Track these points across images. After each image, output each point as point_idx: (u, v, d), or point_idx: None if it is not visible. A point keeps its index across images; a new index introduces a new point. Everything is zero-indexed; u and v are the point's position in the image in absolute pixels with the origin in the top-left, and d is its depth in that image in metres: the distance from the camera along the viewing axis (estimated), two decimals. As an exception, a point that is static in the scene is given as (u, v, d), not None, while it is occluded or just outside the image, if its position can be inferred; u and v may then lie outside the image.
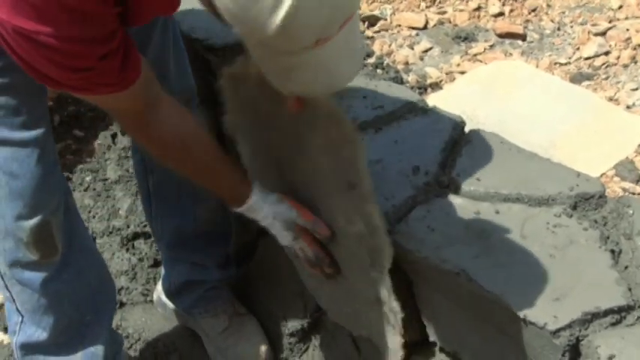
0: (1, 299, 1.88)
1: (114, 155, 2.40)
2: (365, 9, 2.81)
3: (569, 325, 1.21)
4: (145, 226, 2.18)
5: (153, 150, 1.36)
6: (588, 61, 2.42)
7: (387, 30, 2.74)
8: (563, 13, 2.69)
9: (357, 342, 1.68)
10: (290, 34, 0.94)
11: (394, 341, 1.39)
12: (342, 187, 1.34)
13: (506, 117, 2.18)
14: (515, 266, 1.32)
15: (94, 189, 2.31)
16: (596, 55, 2.43)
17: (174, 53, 1.60)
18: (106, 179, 2.33)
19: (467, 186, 1.50)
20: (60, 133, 2.41)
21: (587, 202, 1.43)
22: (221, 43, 1.78)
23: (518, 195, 1.46)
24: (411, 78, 2.50)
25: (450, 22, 2.72)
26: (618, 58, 2.40)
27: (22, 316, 1.53)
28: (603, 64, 2.39)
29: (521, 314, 1.24)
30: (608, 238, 1.35)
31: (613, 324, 1.21)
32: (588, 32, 2.53)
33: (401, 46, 2.66)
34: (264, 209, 1.37)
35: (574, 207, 1.42)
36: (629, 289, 1.26)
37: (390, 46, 2.66)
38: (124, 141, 2.40)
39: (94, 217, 2.22)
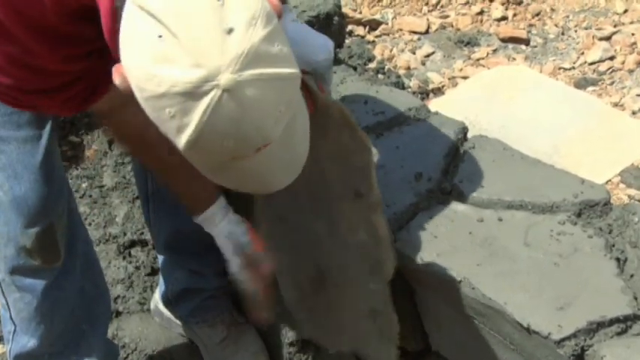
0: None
1: (110, 162, 2.40)
2: (366, 13, 2.83)
3: (574, 335, 1.22)
4: (141, 233, 2.18)
5: (120, 144, 1.36)
6: (593, 66, 2.43)
7: (388, 34, 2.75)
8: (568, 17, 2.71)
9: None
10: (198, 153, 0.96)
11: (390, 353, 1.39)
12: (348, 195, 1.35)
13: (509, 123, 2.18)
14: (519, 274, 1.32)
15: (90, 196, 2.31)
16: (601, 60, 2.44)
17: None
18: (102, 186, 2.33)
19: (470, 193, 1.50)
20: (55, 139, 2.41)
21: (592, 209, 1.44)
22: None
23: (521, 202, 1.46)
24: (412, 83, 2.51)
25: (452, 26, 2.73)
26: (623, 63, 2.41)
27: (15, 326, 1.53)
28: (608, 69, 2.40)
29: (524, 323, 1.25)
30: (613, 246, 1.36)
31: (619, 333, 1.22)
32: (593, 37, 2.54)
33: (402, 50, 2.67)
34: (221, 225, 1.37)
35: (578, 214, 1.43)
36: (635, 298, 1.26)
37: (391, 50, 2.68)
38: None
39: (89, 224, 2.22)
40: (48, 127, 1.37)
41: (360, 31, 2.76)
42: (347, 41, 2.60)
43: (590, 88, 2.34)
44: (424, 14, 2.79)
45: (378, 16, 2.80)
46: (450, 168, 1.58)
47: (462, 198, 1.50)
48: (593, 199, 1.44)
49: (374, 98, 1.79)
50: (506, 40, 2.62)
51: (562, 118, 2.20)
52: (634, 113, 2.21)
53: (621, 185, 1.99)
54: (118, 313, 1.98)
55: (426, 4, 2.82)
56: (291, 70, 0.94)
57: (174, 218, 1.73)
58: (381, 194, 1.48)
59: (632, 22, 2.60)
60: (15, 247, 1.41)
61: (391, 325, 1.38)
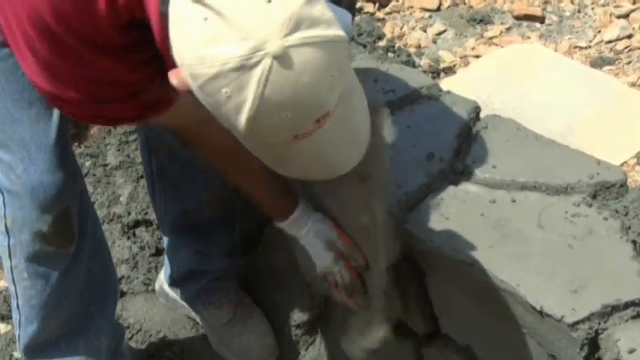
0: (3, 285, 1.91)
1: (114, 140, 2.40)
2: (377, -11, 2.80)
3: (588, 318, 1.22)
4: (146, 213, 2.18)
5: (202, 156, 1.41)
6: (610, 45, 2.41)
7: (398, 12, 2.73)
8: (584, -6, 2.68)
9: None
10: (260, 132, 0.98)
11: (379, 334, 1.40)
12: (353, 178, 1.34)
13: (522, 103, 2.17)
14: (532, 257, 1.32)
15: (94, 175, 2.32)
16: (618, 39, 2.42)
17: None
18: (106, 165, 2.33)
19: (482, 173, 1.50)
20: (58, 117, 2.41)
21: (607, 190, 1.43)
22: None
23: (535, 183, 1.46)
24: (423, 62, 2.50)
25: (464, 3, 2.71)
26: (641, 41, 2.39)
27: (20, 315, 1.54)
28: (625, 47, 2.38)
29: (537, 306, 1.25)
30: (629, 228, 1.35)
31: (634, 317, 1.22)
32: (610, 14, 2.52)
33: (413, 28, 2.65)
34: (307, 225, 1.40)
35: (594, 196, 1.42)
36: (651, 281, 1.26)
37: (401, 28, 2.66)
38: (124, 125, 2.41)
39: (93, 203, 2.23)
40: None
41: (369, 7, 2.74)
42: (356, 18, 2.58)
43: (607, 68, 2.32)
44: (436, -9, 2.77)
45: (388, -7, 2.78)
46: (462, 148, 1.57)
47: (474, 179, 1.50)
48: (609, 180, 1.44)
49: (384, 76, 1.78)
50: (520, 18, 2.59)
51: (577, 99, 2.18)
52: (651, 93, 2.20)
53: (637, 167, 1.98)
54: (123, 294, 1.99)
55: (438, -20, 2.79)
56: (337, 32, 0.96)
57: (180, 199, 1.73)
58: (392, 174, 1.48)
59: (651, 0, 2.57)
60: (30, 232, 1.41)
61: (393, 308, 1.39)
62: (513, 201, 1.43)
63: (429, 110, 1.67)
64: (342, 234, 1.39)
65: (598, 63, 2.34)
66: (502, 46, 2.49)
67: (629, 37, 2.42)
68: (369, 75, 1.77)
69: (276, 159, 1.05)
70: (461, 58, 2.49)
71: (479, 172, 1.50)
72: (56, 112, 1.37)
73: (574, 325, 1.22)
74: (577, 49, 2.43)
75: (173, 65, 1.00)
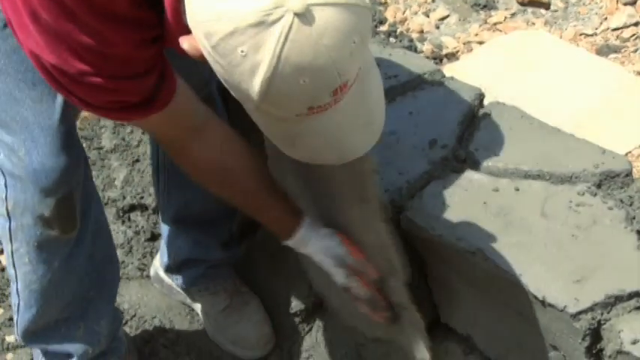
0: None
1: (109, 123, 2.39)
2: (379, -27, 2.79)
3: (591, 308, 1.22)
4: (141, 197, 2.18)
5: (192, 174, 1.36)
6: (616, 33, 2.41)
7: (401, -5, 2.72)
8: (590, -20, 2.67)
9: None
10: (275, 100, 0.95)
11: (422, 344, 1.41)
12: (356, 199, 1.36)
13: (526, 91, 2.17)
14: (535, 246, 1.33)
15: (88, 158, 2.31)
16: (625, 26, 2.41)
17: None
18: (101, 148, 2.33)
19: (485, 161, 1.50)
20: (52, 98, 2.41)
21: (612, 180, 1.44)
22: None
23: (539, 172, 1.46)
24: (425, 47, 2.49)
25: (468, -13, 2.70)
26: (648, 29, 2.39)
27: (19, 299, 1.54)
28: (632, 35, 2.38)
29: (540, 296, 1.25)
30: (634, 218, 1.36)
31: (637, 308, 1.22)
32: (617, 1, 2.51)
33: (415, 13, 2.64)
34: (314, 244, 1.37)
35: (598, 185, 1.43)
36: (655, 273, 1.26)
37: (403, 13, 2.65)
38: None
39: (89, 187, 2.23)
40: None
41: (371, -9, 2.72)
42: (358, 2, 2.57)
43: (613, 56, 2.32)
44: (439, -25, 2.76)
45: (390, -24, 2.77)
46: (465, 135, 1.58)
47: (477, 166, 1.50)
48: (614, 169, 1.44)
49: (387, 61, 1.77)
50: (525, 4, 2.58)
51: (582, 87, 2.18)
52: (658, 83, 2.20)
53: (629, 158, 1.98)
54: (117, 279, 1.99)
55: (441, -36, 2.78)
56: None
57: (185, 191, 1.74)
58: (394, 162, 1.49)
59: (658, -13, 2.56)
60: (32, 216, 1.40)
61: (416, 324, 1.40)
62: (517, 189, 1.44)
63: (431, 96, 1.67)
64: (352, 248, 1.36)
65: (604, 51, 2.34)
66: (506, 33, 2.48)
67: (636, 24, 2.42)
68: (371, 59, 1.77)
69: (286, 137, 1.03)
70: (464, 44, 2.49)
71: (482, 160, 1.51)
72: (60, 96, 1.34)
73: (576, 316, 1.23)
74: (583, 37, 2.43)
75: (178, 36, 0.97)
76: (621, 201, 1.40)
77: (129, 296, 1.96)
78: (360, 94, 0.99)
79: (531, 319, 1.31)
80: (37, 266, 1.47)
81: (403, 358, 1.50)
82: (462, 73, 2.09)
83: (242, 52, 0.91)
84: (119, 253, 2.05)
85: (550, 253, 1.31)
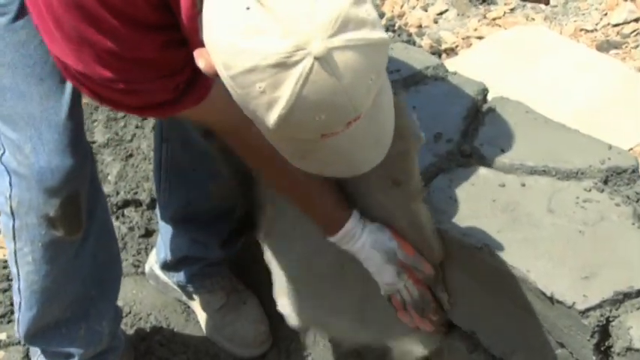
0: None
1: (102, 117, 2.39)
2: (375, -34, 2.79)
3: (600, 305, 1.23)
4: (135, 193, 2.18)
5: (251, 163, 1.37)
6: (617, 29, 2.42)
7: (398, -11, 2.73)
8: (590, -25, 2.69)
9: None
10: (289, 130, 0.97)
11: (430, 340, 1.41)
12: (385, 183, 1.34)
13: (527, 86, 2.18)
14: (542, 242, 1.33)
15: (82, 153, 2.30)
16: (626, 22, 2.43)
17: None
18: (94, 142, 2.32)
19: (491, 156, 1.51)
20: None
21: (619, 176, 1.45)
22: None
23: (545, 167, 1.47)
24: (424, 42, 2.50)
25: (467, -18, 2.71)
26: (649, 25, 2.40)
27: (21, 299, 1.52)
28: (633, 31, 2.40)
29: (547, 292, 1.26)
30: (641, 215, 1.37)
31: (646, 304, 1.23)
32: (617, -3, 2.53)
33: (414, 7, 2.65)
34: (362, 237, 1.35)
35: (605, 181, 1.44)
36: (663, 269, 1.27)
37: (402, 7, 2.66)
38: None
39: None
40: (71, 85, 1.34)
41: (369, -15, 2.72)
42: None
43: (613, 52, 2.34)
44: (437, -31, 2.77)
45: (388, -30, 2.77)
46: (470, 130, 1.58)
47: (482, 161, 1.50)
48: (621, 165, 1.45)
49: (389, 56, 1.77)
50: (524, -1, 2.60)
51: (584, 83, 2.19)
52: (659, 79, 2.22)
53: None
54: (112, 276, 1.98)
55: (440, -42, 2.79)
56: (381, 35, 0.95)
57: (187, 190, 1.73)
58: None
59: (658, -17, 2.58)
60: (37, 215, 1.39)
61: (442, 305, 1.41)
62: (523, 185, 1.44)
63: (435, 91, 1.68)
64: (403, 243, 1.35)
65: (604, 47, 2.36)
66: (506, 28, 2.49)
67: (637, 20, 2.44)
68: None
69: (296, 153, 1.05)
70: (463, 39, 2.50)
71: (487, 155, 1.51)
72: (68, 90, 1.35)
73: (585, 312, 1.23)
74: (583, 32, 2.44)
75: (198, 45, 0.98)
76: (628, 197, 1.41)
77: (124, 293, 1.95)
78: (372, 116, 1.01)
79: (538, 316, 1.31)
80: (40, 266, 1.46)
81: (403, 356, 1.51)
82: (461, 68, 2.09)
83: (260, 87, 0.93)
84: (113, 249, 2.05)
85: (557, 249, 1.32)
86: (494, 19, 2.55)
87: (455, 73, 1.73)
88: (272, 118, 0.95)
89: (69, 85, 1.34)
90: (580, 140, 1.53)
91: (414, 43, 2.47)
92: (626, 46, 2.36)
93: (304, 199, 1.38)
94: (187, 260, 1.83)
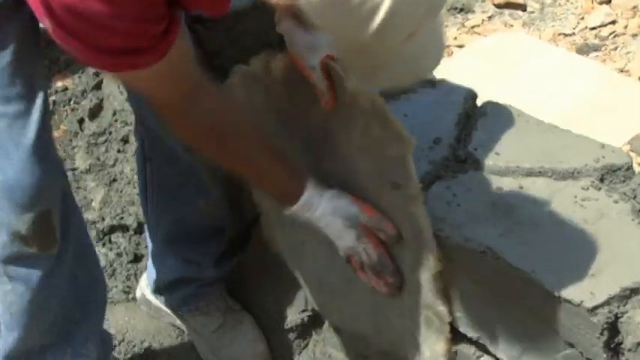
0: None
1: (82, 142, 2.37)
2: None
3: (607, 302, 1.24)
4: (121, 218, 2.16)
5: (189, 141, 1.36)
6: (594, 32, 2.48)
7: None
8: (564, -20, 2.75)
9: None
10: (385, 36, 1.03)
11: (436, 349, 1.41)
12: (384, 188, 1.36)
13: (512, 91, 2.21)
14: (545, 242, 1.35)
15: (62, 178, 2.28)
16: (603, 25, 2.48)
17: None
18: (75, 168, 2.30)
19: (486, 160, 1.52)
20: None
21: (614, 174, 1.47)
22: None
23: (541, 168, 1.49)
24: (406, 52, 2.53)
25: (444, -8, 2.75)
26: (626, 27, 2.46)
27: (1, 323, 1.50)
28: (611, 34, 2.45)
29: (555, 292, 1.27)
30: (639, 211, 1.39)
31: (654, 299, 1.25)
32: (592, 1, 2.59)
33: (393, 18, 2.68)
34: (322, 205, 1.34)
35: (601, 179, 1.46)
36: (667, 263, 1.29)
37: (380, 19, 2.68)
38: (92, 127, 2.38)
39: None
40: (39, 102, 1.36)
41: None
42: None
43: (593, 54, 2.39)
44: (413, -20, 2.80)
45: (363, -17, 2.80)
46: (463, 135, 1.60)
47: (478, 166, 1.52)
48: (616, 163, 1.48)
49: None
50: (501, 6, 2.65)
51: (567, 86, 2.24)
52: (640, 79, 2.27)
53: (631, 154, 2.04)
54: (103, 303, 1.96)
55: (414, -31, 2.83)
56: None
57: (176, 208, 1.73)
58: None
59: (631, -15, 2.64)
60: (8, 233, 1.39)
61: (441, 318, 1.41)
62: (521, 187, 1.46)
63: (425, 98, 1.69)
64: (363, 206, 1.34)
65: (584, 50, 2.41)
66: (485, 35, 2.53)
67: (613, 22, 2.49)
68: (360, 64, 1.79)
69: (372, 69, 1.11)
70: (444, 48, 2.53)
71: (482, 160, 1.53)
72: (37, 111, 1.36)
73: (593, 310, 1.24)
74: (562, 37, 2.49)
75: None
76: (625, 194, 1.43)
77: (115, 321, 1.94)
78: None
79: (545, 316, 1.32)
80: (15, 285, 1.46)
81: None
82: (444, 77, 2.12)
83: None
84: (102, 276, 2.03)
85: (561, 248, 1.33)
86: (472, 27, 2.59)
87: (443, 80, 1.76)
88: (373, 26, 1.00)
89: (37, 106, 1.36)
90: (573, 140, 1.55)
91: (394, 55, 2.50)
92: (606, 48, 2.41)
93: (258, 173, 1.37)
94: (181, 282, 1.82)
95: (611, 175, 1.47)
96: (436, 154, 1.54)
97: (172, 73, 1.21)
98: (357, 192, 1.37)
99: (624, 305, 1.25)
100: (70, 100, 2.43)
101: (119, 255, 2.09)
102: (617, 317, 1.25)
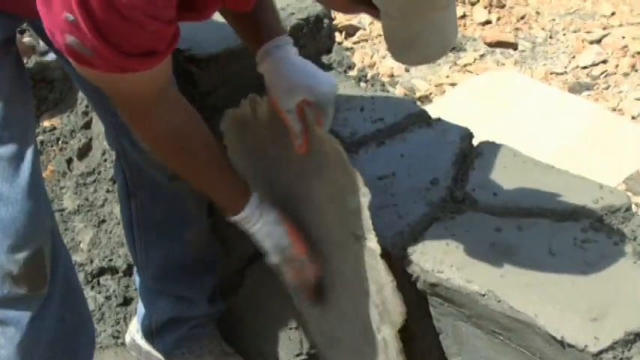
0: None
1: (70, 183, 2.35)
2: (341, 19, 2.85)
3: (612, 347, 1.23)
4: (110, 260, 2.13)
5: (148, 143, 1.39)
6: (586, 70, 2.51)
7: (366, 40, 2.79)
8: (554, 20, 2.79)
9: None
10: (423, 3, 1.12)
11: None
12: (349, 239, 1.37)
13: (505, 130, 2.23)
14: (547, 285, 1.33)
15: (50, 220, 2.25)
16: (594, 64, 2.52)
17: None
18: (63, 209, 2.28)
19: (484, 201, 1.52)
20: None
21: (613, 215, 1.47)
22: (203, 54, 1.77)
23: (539, 209, 1.48)
24: (398, 91, 2.55)
25: (435, 31, 2.77)
26: (617, 66, 2.49)
27: None
28: (602, 73, 2.48)
29: (558, 336, 1.26)
30: (640, 252, 1.38)
31: (659, 343, 1.24)
32: (582, 40, 2.62)
33: (384, 57, 2.70)
34: (259, 224, 1.41)
35: (601, 220, 1.45)
36: (670, 306, 1.28)
37: (372, 57, 2.71)
38: (80, 167, 2.36)
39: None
40: (32, 144, 1.38)
41: (337, 37, 2.78)
42: (324, 48, 2.61)
43: (586, 93, 2.41)
44: (404, 19, 2.83)
45: (354, 22, 2.83)
46: (460, 176, 1.59)
47: (476, 206, 1.51)
48: (614, 204, 1.47)
49: (370, 105, 1.80)
50: (493, 45, 2.68)
51: (560, 125, 2.25)
52: (634, 118, 2.29)
53: (627, 193, 2.04)
54: (91, 348, 1.92)
55: (405, 8, 2.86)
56: None
57: (163, 243, 1.71)
58: (392, 205, 1.49)
59: (620, 25, 2.69)
60: (0, 274, 1.37)
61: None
62: (520, 228, 1.45)
63: (421, 138, 1.69)
64: (296, 241, 1.41)
65: (576, 88, 2.43)
66: (477, 74, 2.56)
67: (604, 62, 2.53)
68: (355, 103, 1.79)
69: (408, 40, 1.18)
70: (436, 86, 2.55)
71: (480, 200, 1.52)
72: (30, 152, 1.37)
73: (598, 355, 1.23)
74: (553, 75, 2.52)
75: None
76: (625, 235, 1.43)
77: (104, 366, 1.90)
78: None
79: (548, 361, 1.31)
80: (5, 328, 1.45)
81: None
82: (437, 115, 2.13)
83: None
84: (91, 320, 1.99)
85: (563, 291, 1.32)
86: (465, 66, 2.62)
87: (439, 119, 1.76)
88: None
89: (31, 147, 1.37)
90: (571, 180, 1.55)
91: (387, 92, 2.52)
92: (597, 87, 2.43)
93: (208, 180, 1.42)
94: (173, 323, 1.79)
95: (610, 215, 1.47)
96: (433, 195, 1.53)
97: (162, 75, 1.24)
98: (325, 238, 1.40)
99: (629, 350, 1.24)
100: (58, 139, 2.41)
101: (108, 298, 2.06)
102: (622, 362, 1.23)
